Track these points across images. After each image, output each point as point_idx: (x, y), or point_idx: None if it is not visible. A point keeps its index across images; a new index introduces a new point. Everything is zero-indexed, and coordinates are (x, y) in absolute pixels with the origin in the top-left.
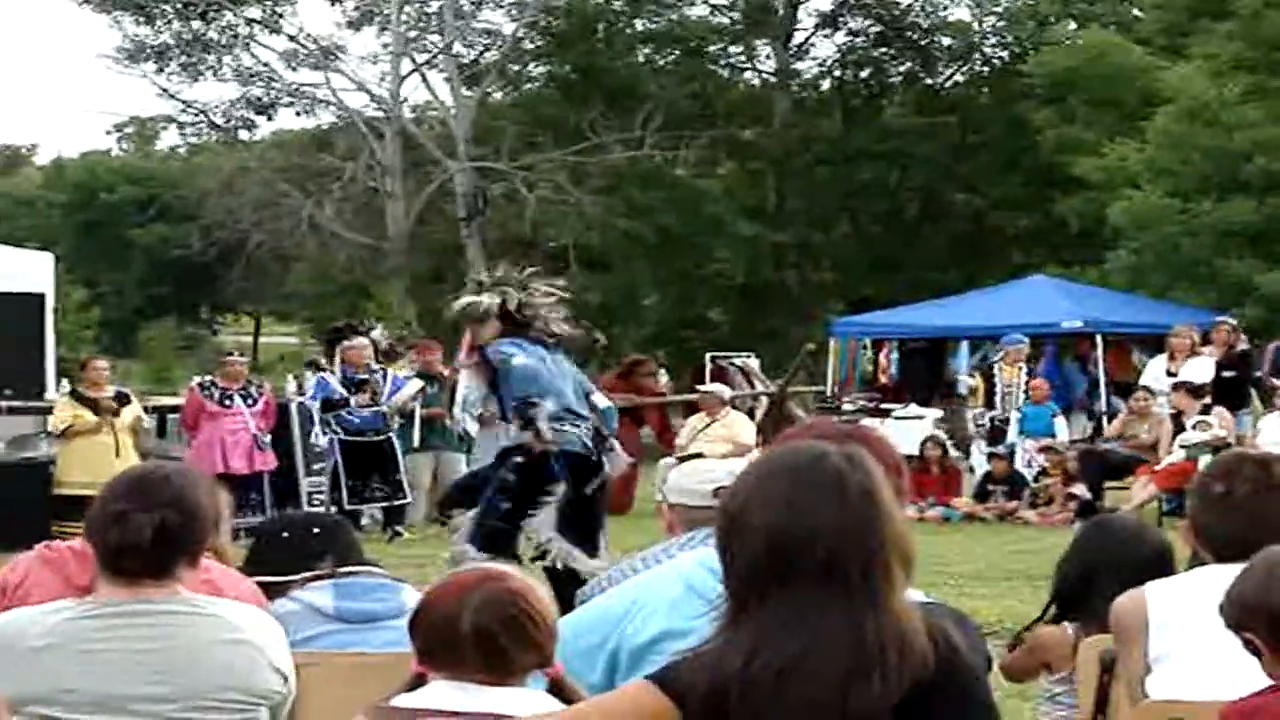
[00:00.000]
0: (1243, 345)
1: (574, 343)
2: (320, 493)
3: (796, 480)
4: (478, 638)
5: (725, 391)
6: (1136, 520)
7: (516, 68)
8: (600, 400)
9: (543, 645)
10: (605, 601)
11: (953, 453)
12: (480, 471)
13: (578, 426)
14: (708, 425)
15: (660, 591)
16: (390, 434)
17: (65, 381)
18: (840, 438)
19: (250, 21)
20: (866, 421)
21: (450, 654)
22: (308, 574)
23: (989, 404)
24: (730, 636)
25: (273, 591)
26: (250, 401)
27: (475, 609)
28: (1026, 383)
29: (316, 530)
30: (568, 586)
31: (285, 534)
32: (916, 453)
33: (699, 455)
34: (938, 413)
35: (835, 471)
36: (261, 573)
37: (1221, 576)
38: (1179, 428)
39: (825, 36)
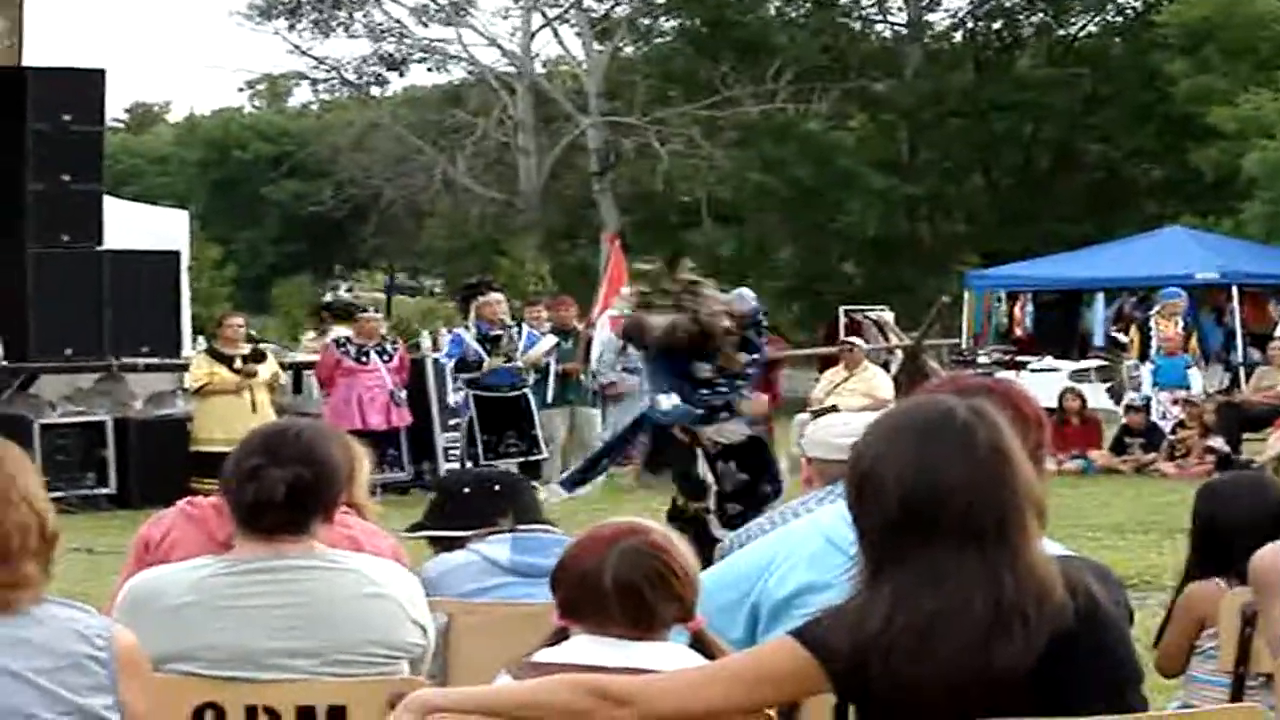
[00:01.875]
0: None
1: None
2: (455, 448)
3: (924, 437)
4: (620, 592)
5: (861, 345)
6: (1255, 475)
7: (647, 21)
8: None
9: (685, 599)
10: (746, 556)
11: (1105, 404)
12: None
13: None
14: (845, 379)
15: (800, 546)
16: (525, 390)
17: (201, 339)
18: (980, 391)
19: None
20: (1002, 375)
21: (593, 608)
22: (487, 529)
23: (1143, 357)
24: (869, 596)
25: (452, 545)
26: (386, 358)
27: (617, 562)
28: (1184, 338)
29: (498, 488)
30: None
31: (468, 489)
32: (1055, 405)
33: (834, 409)
34: (1074, 364)
35: (962, 426)
36: (444, 527)
37: None
38: None
39: None
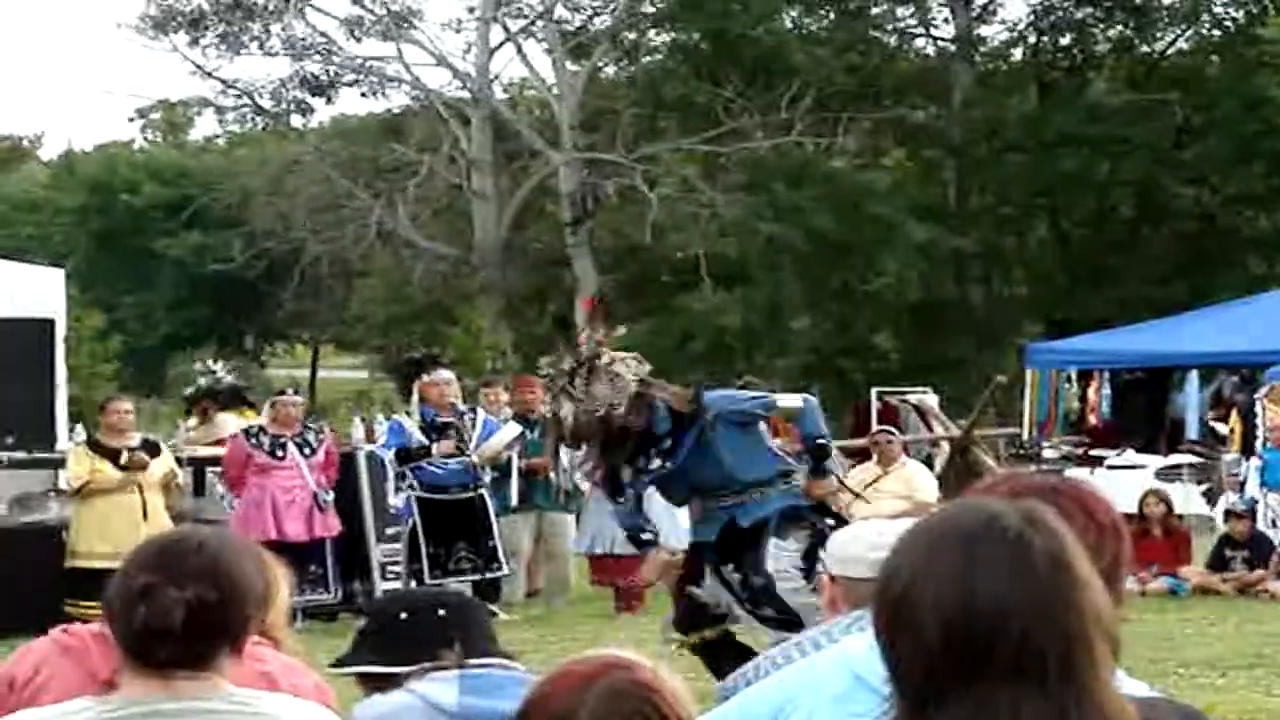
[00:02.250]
0: None
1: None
2: (396, 563)
3: (968, 551)
4: None
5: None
6: None
7: (633, 36)
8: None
9: None
10: (754, 699)
11: (1200, 509)
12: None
13: None
14: (878, 478)
15: (822, 685)
16: (482, 490)
17: (80, 428)
18: (1042, 493)
19: None
20: (1073, 472)
21: None
22: (428, 664)
23: (1247, 450)
24: None
25: (386, 683)
26: (308, 451)
27: (594, 705)
28: None
29: (443, 612)
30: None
31: (405, 615)
32: (1135, 510)
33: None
34: (1162, 460)
35: (1015, 537)
36: (377, 661)
37: None
38: None
39: None
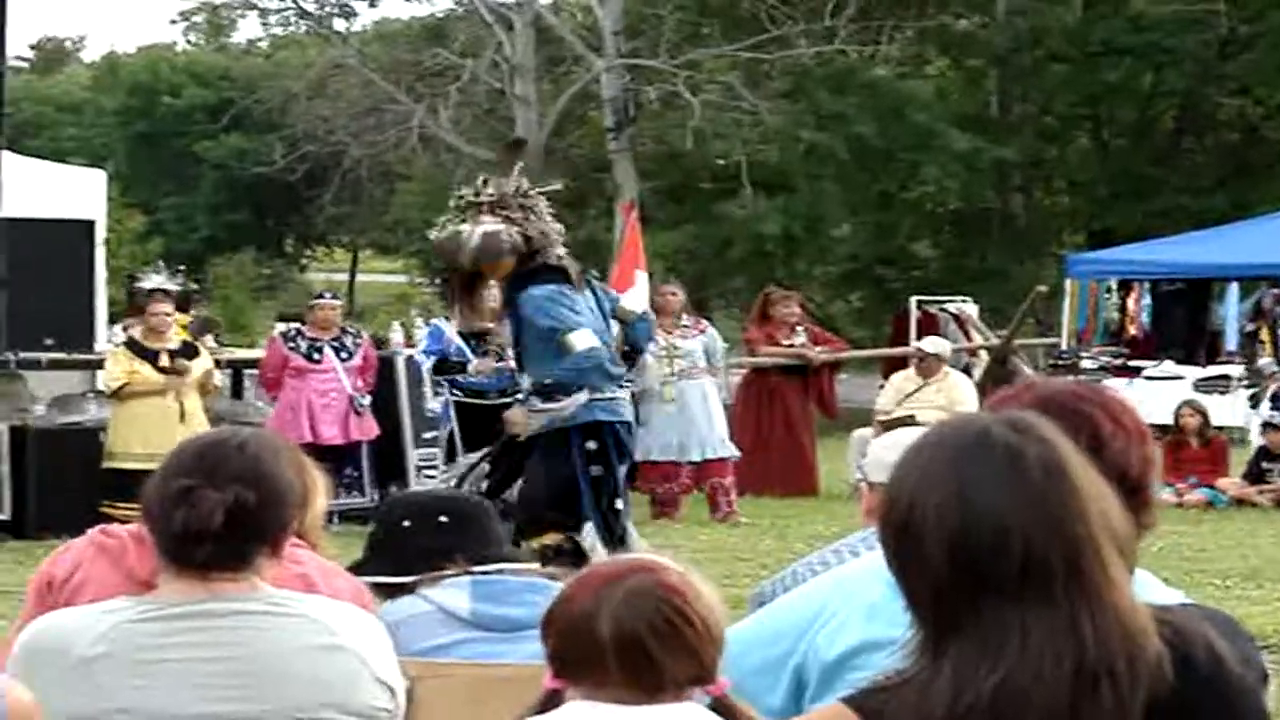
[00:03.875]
0: None
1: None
2: (432, 467)
3: (961, 469)
4: (618, 643)
5: (946, 348)
6: None
7: None
8: (631, 304)
9: (703, 655)
10: (789, 606)
11: (1239, 420)
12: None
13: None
14: (919, 388)
15: (856, 594)
16: (519, 395)
17: (119, 329)
18: (1067, 399)
19: None
20: (1111, 383)
21: (587, 664)
22: (438, 572)
23: None
24: (930, 671)
25: (398, 591)
26: (345, 355)
27: (617, 607)
28: None
29: (445, 518)
30: None
31: (407, 522)
32: (1171, 421)
33: (909, 419)
34: (1201, 371)
35: (1005, 447)
36: (380, 571)
37: None
38: None
39: None
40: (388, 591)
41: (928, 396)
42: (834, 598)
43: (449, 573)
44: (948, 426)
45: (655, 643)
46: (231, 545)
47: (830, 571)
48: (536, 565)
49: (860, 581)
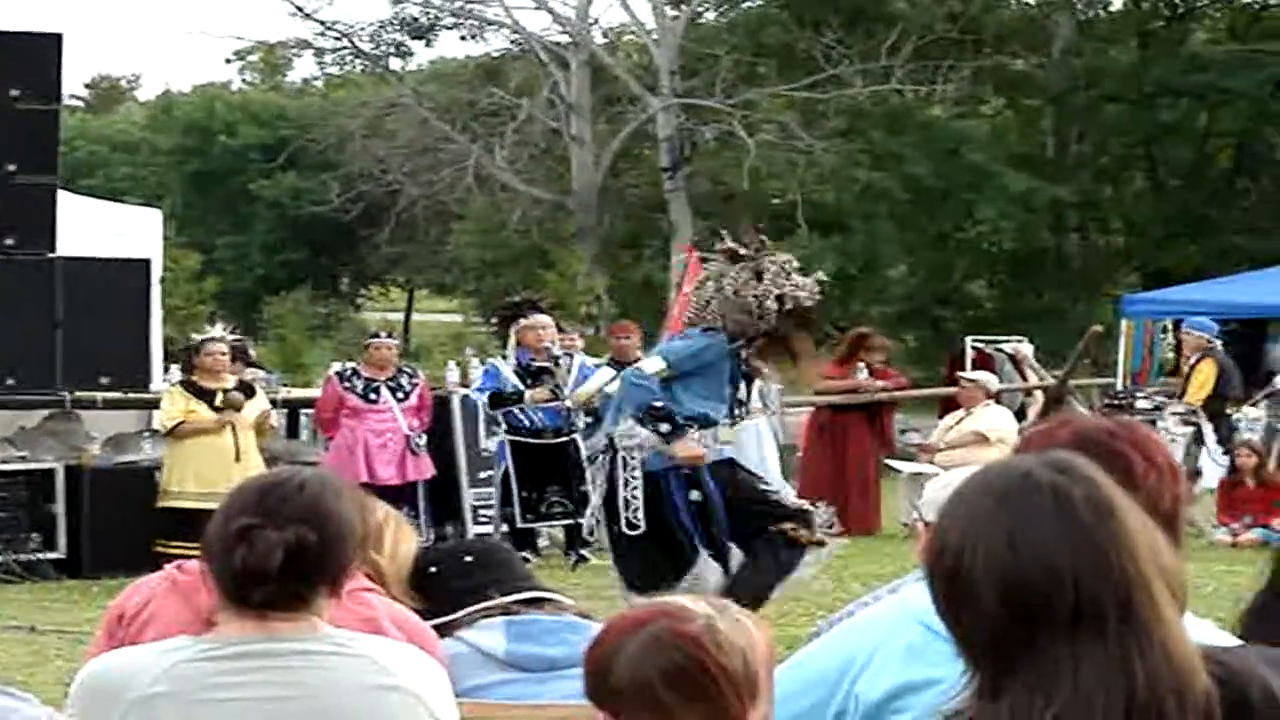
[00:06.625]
0: None
1: None
2: (488, 507)
3: (1008, 512)
4: (632, 690)
5: (992, 381)
6: None
7: None
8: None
9: (725, 704)
10: (823, 651)
11: None
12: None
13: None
14: (960, 420)
15: (892, 635)
16: (575, 435)
17: (175, 368)
18: (1100, 435)
19: None
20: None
21: (608, 709)
22: (475, 607)
23: None
24: (988, 707)
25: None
26: (401, 395)
27: (632, 654)
28: None
29: (468, 558)
30: None
31: (434, 568)
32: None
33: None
34: (1257, 412)
35: (1051, 488)
36: (421, 614)
37: None
38: None
39: None
40: None
41: (967, 427)
42: (868, 641)
43: (485, 605)
44: (991, 471)
45: (664, 690)
46: (290, 585)
47: (860, 615)
48: (571, 603)
49: (893, 623)
